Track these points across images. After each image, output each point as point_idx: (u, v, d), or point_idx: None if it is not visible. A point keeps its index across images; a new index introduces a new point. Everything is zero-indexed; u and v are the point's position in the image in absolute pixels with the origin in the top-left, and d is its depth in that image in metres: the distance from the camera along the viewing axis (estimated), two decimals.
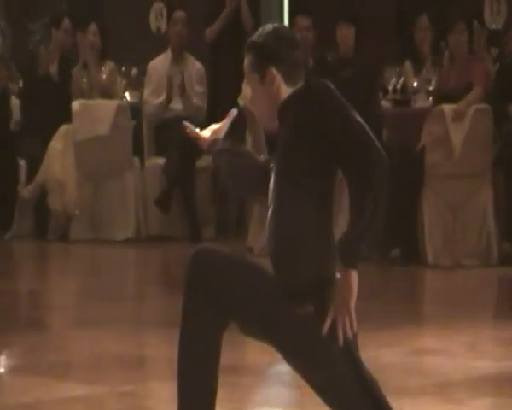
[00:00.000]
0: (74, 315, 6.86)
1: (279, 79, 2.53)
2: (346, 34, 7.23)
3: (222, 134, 2.83)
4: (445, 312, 6.33)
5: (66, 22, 8.34)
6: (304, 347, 2.57)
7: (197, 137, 2.95)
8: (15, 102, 8.29)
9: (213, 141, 2.80)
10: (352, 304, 2.42)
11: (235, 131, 3.13)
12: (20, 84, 8.64)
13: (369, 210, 2.36)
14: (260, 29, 2.61)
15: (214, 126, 2.88)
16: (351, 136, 2.41)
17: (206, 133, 2.84)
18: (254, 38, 2.59)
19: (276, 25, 2.74)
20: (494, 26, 8.78)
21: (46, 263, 8.58)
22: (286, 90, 2.52)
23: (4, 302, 6.98)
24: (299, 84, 2.54)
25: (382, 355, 4.70)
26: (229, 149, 2.87)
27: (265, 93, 2.57)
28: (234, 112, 2.98)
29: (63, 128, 7.74)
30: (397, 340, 5.30)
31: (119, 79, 8.11)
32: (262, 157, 3.06)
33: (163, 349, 4.18)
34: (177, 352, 2.66)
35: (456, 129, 7.19)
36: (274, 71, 2.47)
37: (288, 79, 2.53)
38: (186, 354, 2.63)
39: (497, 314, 6.05)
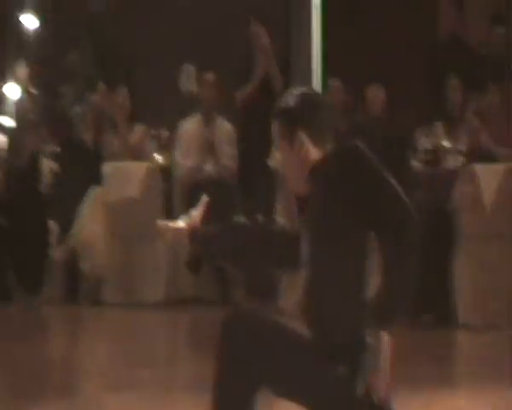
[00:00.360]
0: (106, 380, 6.60)
1: (307, 142, 2.56)
2: (376, 95, 7.40)
3: (198, 222, 2.85)
4: (477, 372, 6.31)
5: (102, 87, 8.49)
6: (336, 408, 2.61)
7: (175, 233, 2.98)
8: (46, 165, 8.39)
9: (193, 230, 2.80)
10: (387, 367, 2.47)
11: (217, 214, 3.12)
12: (51, 147, 8.88)
13: (404, 275, 2.39)
14: (286, 94, 2.64)
15: (185, 218, 2.90)
16: (385, 199, 2.42)
17: (180, 224, 2.86)
18: (281, 103, 2.62)
19: (302, 88, 2.80)
20: None
21: (77, 327, 8.62)
22: (315, 153, 2.55)
23: (36, 368, 6.91)
24: (329, 146, 2.60)
25: None
26: (231, 227, 2.94)
27: (295, 157, 2.57)
28: (205, 199, 3.02)
29: (94, 190, 7.90)
30: (430, 402, 5.34)
31: (149, 142, 8.32)
32: (294, 222, 3.12)
33: None
34: None
35: (488, 188, 7.15)
36: (302, 135, 2.52)
37: (317, 142, 2.56)
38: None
39: None
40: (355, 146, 2.55)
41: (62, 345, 7.99)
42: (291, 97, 2.58)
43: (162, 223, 3.09)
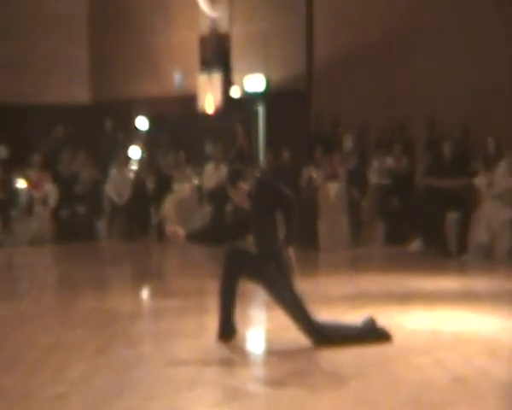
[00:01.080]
0: None
1: (242, 185, 6.78)
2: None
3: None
4: None
5: None
6: (273, 283, 6.85)
7: (174, 234, 7.11)
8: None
9: (187, 233, 7.02)
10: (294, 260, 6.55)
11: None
12: None
13: (293, 226, 6.71)
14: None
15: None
16: (282, 196, 6.66)
17: (178, 228, 7.06)
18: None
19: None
20: None
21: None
22: (246, 187, 6.75)
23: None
24: (249, 182, 6.97)
25: None
26: (195, 234, 7.58)
27: (242, 193, 6.84)
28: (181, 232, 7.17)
29: (171, 194, 16.54)
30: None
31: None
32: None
33: None
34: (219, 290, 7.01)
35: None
36: (241, 184, 6.80)
37: (246, 182, 6.81)
38: (223, 289, 7.06)
39: None
40: (261, 178, 8.40)
41: None
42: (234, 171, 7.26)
43: (170, 226, 7.85)
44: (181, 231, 7.13)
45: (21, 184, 16.08)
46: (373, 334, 6.94)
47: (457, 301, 9.19)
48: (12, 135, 17.03)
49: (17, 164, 15.71)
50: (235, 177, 7.09)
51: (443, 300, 9.24)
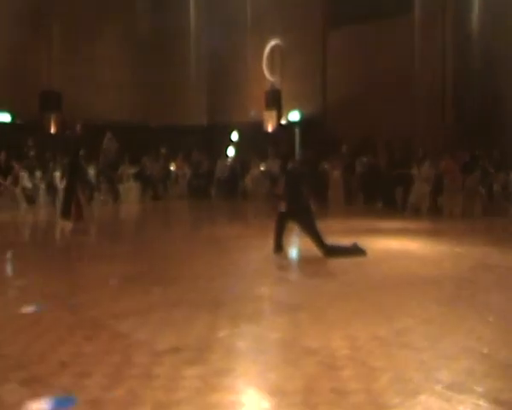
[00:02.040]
0: None
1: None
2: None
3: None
4: None
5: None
6: (304, 221, 7.47)
7: None
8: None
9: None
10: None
11: None
12: None
13: (312, 192, 8.63)
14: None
15: None
16: (305, 177, 8.17)
17: None
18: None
19: None
20: None
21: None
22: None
23: None
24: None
25: None
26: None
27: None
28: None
29: None
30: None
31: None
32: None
33: None
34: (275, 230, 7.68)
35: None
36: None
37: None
38: (277, 225, 7.67)
39: None
40: (296, 166, 8.39)
41: None
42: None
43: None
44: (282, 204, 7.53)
45: (172, 166, 18.27)
46: (356, 250, 7.41)
47: (400, 234, 9.84)
48: (164, 143, 18.09)
49: (171, 156, 16.00)
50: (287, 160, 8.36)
51: (392, 233, 9.91)
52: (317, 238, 7.07)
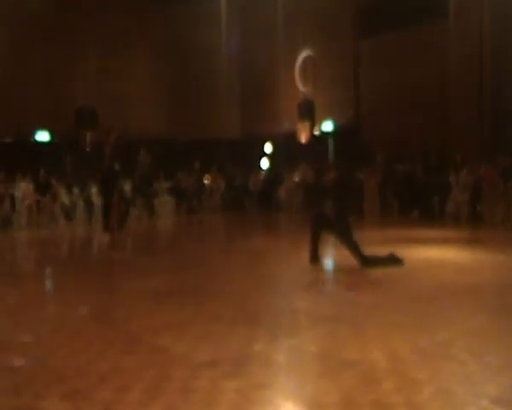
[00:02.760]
0: None
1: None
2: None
3: None
4: None
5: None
6: (341, 232, 7.37)
7: None
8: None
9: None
10: None
11: None
12: None
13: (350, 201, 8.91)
14: None
15: None
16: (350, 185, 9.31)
17: None
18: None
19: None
20: None
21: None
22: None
23: None
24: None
25: None
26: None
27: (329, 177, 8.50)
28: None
29: None
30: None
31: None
32: None
33: None
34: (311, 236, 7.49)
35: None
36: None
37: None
38: (313, 235, 7.56)
39: None
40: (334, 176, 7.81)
41: None
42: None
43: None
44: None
45: (206, 180, 18.20)
46: (393, 260, 7.30)
47: (439, 243, 9.69)
48: (198, 157, 17.98)
49: (204, 171, 16.08)
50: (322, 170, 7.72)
51: (430, 242, 9.71)
52: (354, 247, 6.99)
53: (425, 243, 9.45)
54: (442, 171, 13.48)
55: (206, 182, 17.76)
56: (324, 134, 18.25)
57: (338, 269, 7.72)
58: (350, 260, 7.19)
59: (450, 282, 6.20)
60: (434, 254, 8.22)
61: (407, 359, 3.81)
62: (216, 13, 19.62)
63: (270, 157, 19.13)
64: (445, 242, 9.58)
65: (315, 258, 7.32)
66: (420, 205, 13.43)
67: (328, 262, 8.17)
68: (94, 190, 14.79)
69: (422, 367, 3.64)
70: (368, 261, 6.99)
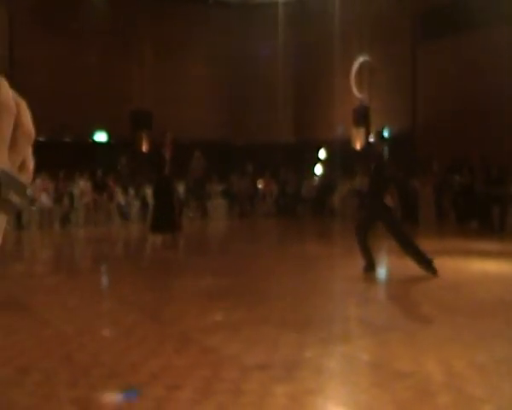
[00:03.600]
0: None
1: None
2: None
3: None
4: None
5: None
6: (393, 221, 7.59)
7: None
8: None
9: None
10: None
11: None
12: None
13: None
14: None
15: None
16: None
17: None
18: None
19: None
20: None
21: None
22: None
23: None
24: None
25: None
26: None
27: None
28: None
29: None
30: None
31: None
32: None
33: None
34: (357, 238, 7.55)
35: None
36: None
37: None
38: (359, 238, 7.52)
39: None
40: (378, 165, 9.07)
41: None
42: None
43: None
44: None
45: (259, 184, 18.26)
46: (429, 265, 7.07)
47: (498, 256, 9.37)
48: (251, 160, 18.19)
49: (258, 175, 16.18)
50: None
51: (489, 255, 9.44)
52: (401, 235, 6.80)
53: (484, 255, 9.30)
54: (503, 182, 13.00)
55: (259, 186, 17.77)
56: (381, 140, 18.74)
57: (392, 278, 7.66)
58: (405, 269, 7.14)
59: (510, 297, 6.02)
60: (493, 268, 8.09)
61: (464, 374, 3.69)
62: (272, 19, 19.44)
63: (325, 163, 18.93)
64: (504, 255, 9.37)
65: (370, 266, 7.19)
66: (479, 216, 13.04)
67: (383, 271, 8.11)
68: (149, 191, 14.63)
69: (480, 383, 3.53)
70: (409, 246, 6.85)
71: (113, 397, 3.34)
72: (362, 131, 18.21)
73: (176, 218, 9.99)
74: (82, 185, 14.45)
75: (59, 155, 15.56)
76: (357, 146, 18.49)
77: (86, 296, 6.11)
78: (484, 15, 14.51)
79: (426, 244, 10.15)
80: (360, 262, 7.28)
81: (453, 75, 15.69)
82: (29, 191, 10.82)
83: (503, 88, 14.24)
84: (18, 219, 12.61)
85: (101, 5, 18.21)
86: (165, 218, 9.79)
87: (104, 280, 7.75)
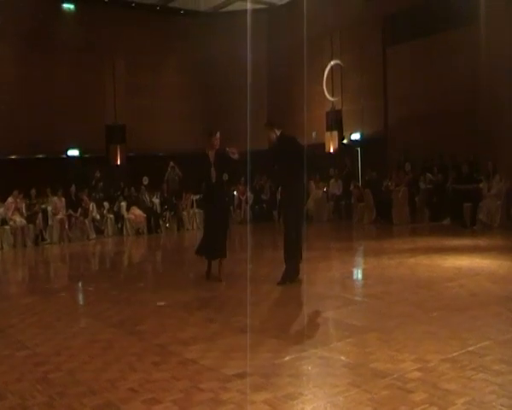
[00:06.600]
0: None
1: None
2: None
3: None
4: None
5: None
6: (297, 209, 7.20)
7: None
8: None
9: None
10: None
11: None
12: None
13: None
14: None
15: None
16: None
17: None
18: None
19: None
20: None
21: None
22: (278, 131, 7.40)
23: None
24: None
25: None
26: None
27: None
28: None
29: None
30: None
31: None
32: None
33: None
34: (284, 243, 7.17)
35: None
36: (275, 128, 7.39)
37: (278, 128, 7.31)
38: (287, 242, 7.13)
39: None
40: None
41: None
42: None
43: None
44: None
45: (235, 192, 18.15)
46: (292, 275, 7.10)
47: (470, 251, 9.45)
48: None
49: (232, 184, 16.73)
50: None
51: (462, 250, 9.51)
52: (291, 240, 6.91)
53: (457, 251, 9.29)
54: (473, 179, 13.18)
55: (234, 194, 17.47)
56: (353, 144, 17.82)
57: (368, 279, 7.52)
58: (378, 270, 7.25)
59: (483, 291, 6.10)
60: (466, 263, 8.09)
61: (439, 369, 3.75)
62: (242, 26, 19.12)
63: None
64: (477, 250, 9.39)
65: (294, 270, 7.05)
66: (451, 213, 13.21)
67: (354, 272, 8.04)
68: (123, 204, 14.96)
69: (455, 378, 3.58)
70: (288, 257, 6.91)
71: None
72: (335, 134, 18.09)
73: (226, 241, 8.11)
74: (55, 202, 14.17)
75: (32, 172, 15.40)
76: (331, 149, 17.97)
77: (62, 315, 6.03)
78: (452, 17, 14.60)
79: (400, 243, 10.34)
80: (335, 264, 7.49)
81: (423, 77, 15.76)
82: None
83: (472, 88, 14.21)
84: None
85: (72, 21, 18.06)
86: (218, 240, 7.74)
87: (80, 298, 7.60)
